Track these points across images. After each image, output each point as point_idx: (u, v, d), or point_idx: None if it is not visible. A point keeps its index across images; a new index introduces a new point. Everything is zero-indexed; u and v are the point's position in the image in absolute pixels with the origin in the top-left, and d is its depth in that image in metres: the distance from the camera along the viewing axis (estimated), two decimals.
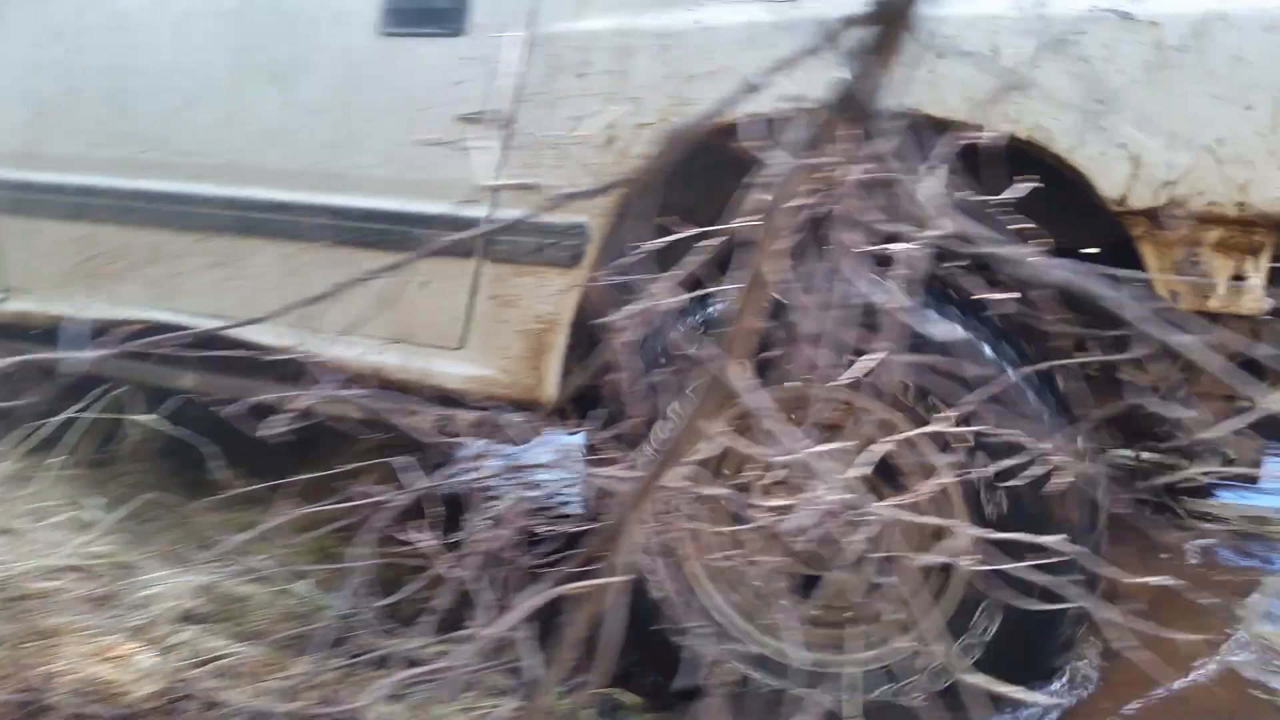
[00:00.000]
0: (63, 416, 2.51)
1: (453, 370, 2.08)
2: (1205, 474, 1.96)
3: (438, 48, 2.09)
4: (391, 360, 2.14)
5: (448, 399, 2.06)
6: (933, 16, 1.02)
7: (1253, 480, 1.98)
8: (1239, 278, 1.57)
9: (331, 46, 2.18)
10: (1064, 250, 1.90)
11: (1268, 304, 1.61)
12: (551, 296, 1.97)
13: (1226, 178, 1.52)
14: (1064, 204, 1.74)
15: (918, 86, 1.67)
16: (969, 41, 1.64)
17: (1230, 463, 1.94)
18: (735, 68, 1.76)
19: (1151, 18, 1.55)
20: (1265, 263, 1.59)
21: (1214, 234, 1.56)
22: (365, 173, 2.15)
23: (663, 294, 1.77)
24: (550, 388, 1.99)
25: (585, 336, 1.94)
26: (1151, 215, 1.58)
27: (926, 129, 1.73)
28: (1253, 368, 1.81)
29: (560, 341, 1.97)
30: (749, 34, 1.79)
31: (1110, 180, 1.59)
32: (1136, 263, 1.69)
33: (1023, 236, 1.56)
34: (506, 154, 1.99)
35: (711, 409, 1.25)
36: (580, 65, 1.93)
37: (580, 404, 2.02)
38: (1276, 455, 2.21)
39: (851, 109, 1.04)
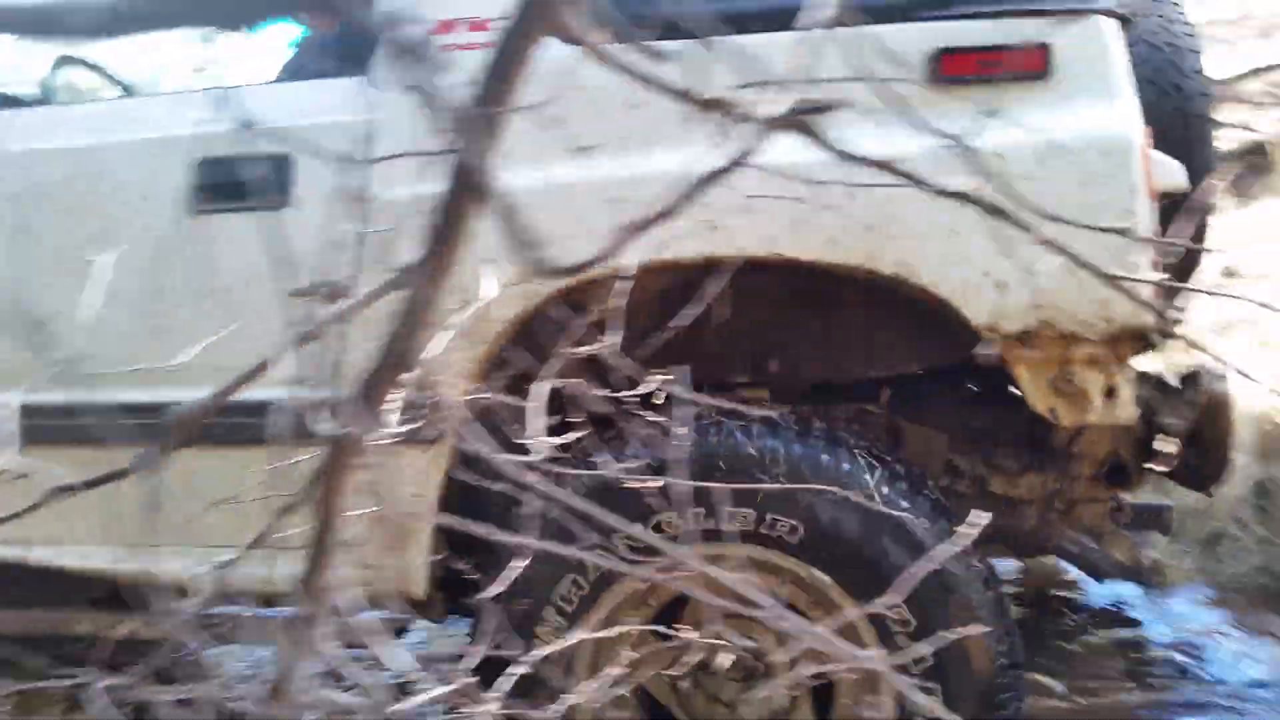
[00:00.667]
0: None
1: (298, 571, 1.85)
2: (1087, 573, 1.97)
3: (258, 223, 1.93)
4: (251, 569, 1.88)
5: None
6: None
7: (1135, 577, 2.01)
8: (1111, 391, 1.60)
9: (136, 229, 1.98)
10: (948, 372, 1.93)
11: (1137, 412, 1.65)
12: (413, 478, 1.79)
13: (1088, 297, 1.56)
14: (941, 330, 1.76)
15: (780, 231, 1.66)
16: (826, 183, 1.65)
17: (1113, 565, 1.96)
18: (594, 224, 1.71)
19: (996, 149, 1.60)
20: (1132, 374, 1.63)
21: (1083, 351, 1.59)
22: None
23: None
24: (419, 581, 1.79)
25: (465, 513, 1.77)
26: (1022, 339, 1.60)
27: (788, 273, 1.74)
28: (1121, 471, 1.85)
29: (425, 527, 1.79)
30: (606, 195, 1.74)
31: (978, 308, 1.60)
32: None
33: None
34: (357, 330, 1.83)
35: None
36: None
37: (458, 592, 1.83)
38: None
39: None
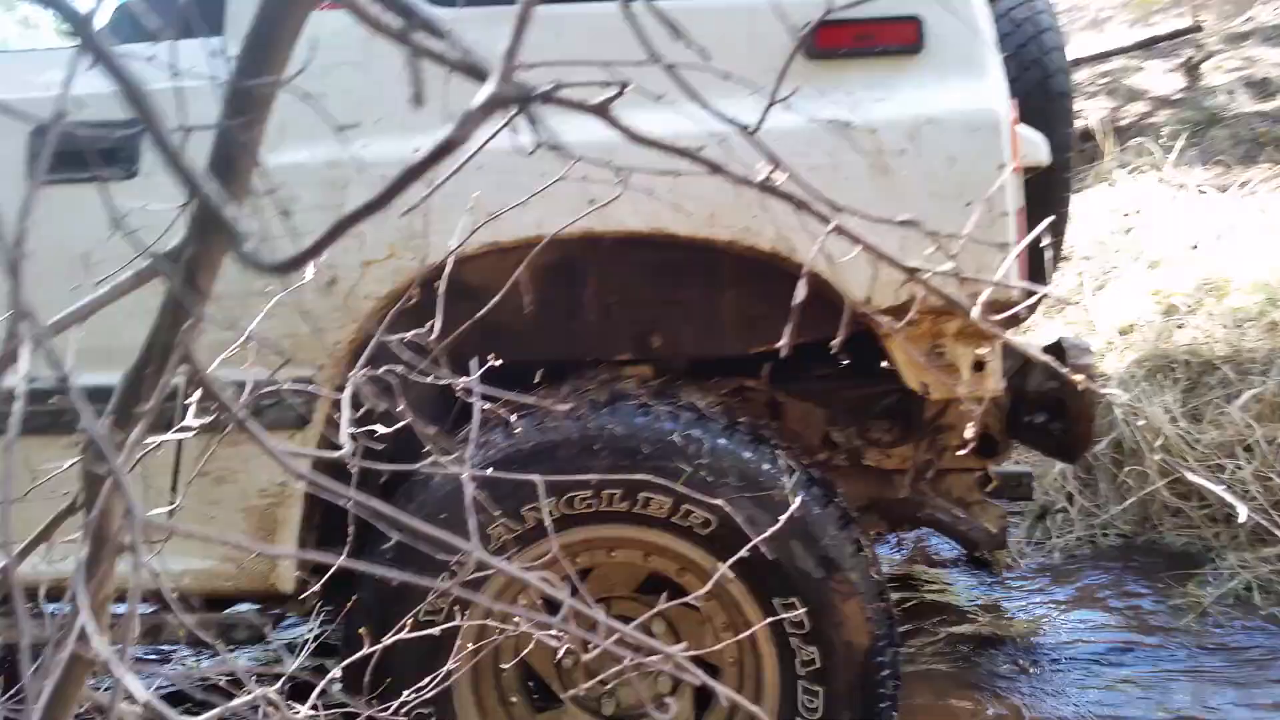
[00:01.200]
0: None
1: (161, 567, 1.75)
2: (960, 543, 2.03)
3: (96, 194, 1.79)
4: (69, 567, 1.76)
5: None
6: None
7: (1000, 544, 2.07)
8: (980, 365, 1.64)
9: None
10: (823, 346, 1.94)
11: (1003, 385, 1.69)
12: (276, 466, 1.70)
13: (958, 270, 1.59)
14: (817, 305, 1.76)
15: (661, 206, 1.63)
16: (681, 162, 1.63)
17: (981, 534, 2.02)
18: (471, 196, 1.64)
19: (869, 125, 1.61)
20: (999, 348, 1.67)
21: (953, 326, 1.62)
22: None
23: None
24: (284, 575, 1.72)
25: (328, 506, 1.70)
26: (894, 313, 1.61)
27: (676, 248, 1.72)
28: (988, 442, 1.90)
29: (294, 516, 1.71)
30: (477, 160, 1.67)
31: (852, 284, 1.61)
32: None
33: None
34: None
35: None
36: (284, 201, 1.72)
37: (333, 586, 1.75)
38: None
39: None
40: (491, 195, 1.65)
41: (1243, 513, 0.69)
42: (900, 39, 1.70)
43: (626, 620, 1.85)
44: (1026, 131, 1.82)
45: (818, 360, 2.05)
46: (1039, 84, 2.42)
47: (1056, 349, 1.80)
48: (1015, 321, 1.64)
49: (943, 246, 1.61)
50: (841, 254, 1.60)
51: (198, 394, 1.37)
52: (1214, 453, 2.94)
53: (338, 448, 1.78)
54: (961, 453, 1.94)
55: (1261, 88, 5.95)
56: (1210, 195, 4.43)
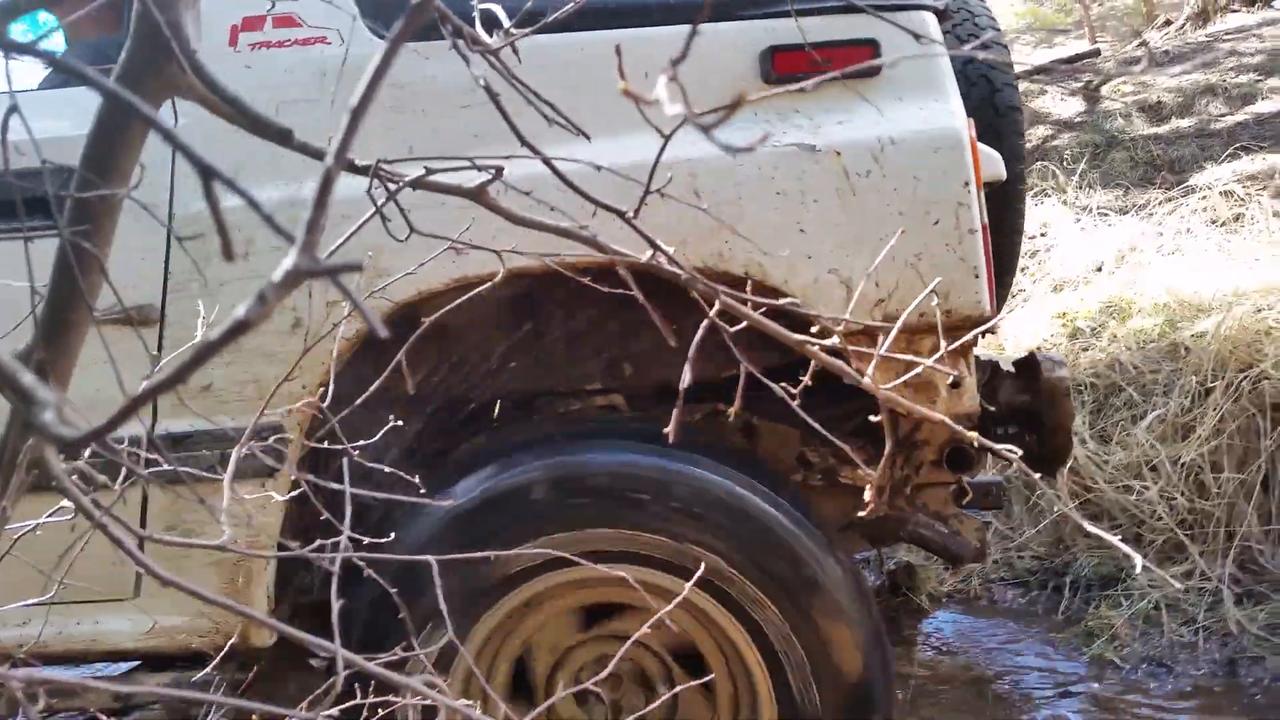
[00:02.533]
0: None
1: (129, 627, 1.69)
2: (943, 557, 2.03)
3: (45, 243, 1.74)
4: (44, 630, 1.70)
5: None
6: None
7: (980, 556, 2.08)
8: (956, 384, 1.65)
9: None
10: (794, 367, 1.94)
11: (979, 402, 1.70)
12: (249, 515, 1.66)
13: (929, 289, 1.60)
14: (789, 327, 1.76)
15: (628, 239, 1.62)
16: (670, 186, 1.62)
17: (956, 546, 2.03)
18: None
19: (833, 147, 1.62)
20: (973, 363, 1.68)
21: (928, 343, 1.63)
22: None
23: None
24: (261, 629, 1.66)
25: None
26: (869, 334, 1.62)
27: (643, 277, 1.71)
28: (961, 455, 1.92)
29: (267, 568, 1.66)
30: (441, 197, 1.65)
31: (825, 306, 1.61)
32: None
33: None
34: (162, 354, 1.68)
35: None
36: (242, 244, 1.68)
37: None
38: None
39: None
40: (457, 229, 1.63)
41: (1139, 563, 0.69)
42: (858, 62, 1.72)
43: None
44: (984, 148, 1.84)
45: (789, 381, 2.06)
46: (987, 99, 2.46)
47: (1030, 362, 1.82)
48: (985, 333, 1.66)
49: (913, 265, 1.63)
50: (816, 277, 1.61)
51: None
52: (1121, 474, 2.97)
53: (311, 495, 1.72)
54: (935, 467, 1.95)
55: (1155, 111, 6.15)
56: (1111, 218, 4.53)
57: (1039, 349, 1.87)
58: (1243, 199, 4.03)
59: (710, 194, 1.61)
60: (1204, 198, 4.27)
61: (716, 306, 0.79)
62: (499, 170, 0.77)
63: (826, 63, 1.74)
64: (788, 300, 0.95)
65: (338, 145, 0.48)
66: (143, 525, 1.69)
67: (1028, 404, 1.82)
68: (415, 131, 1.68)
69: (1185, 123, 5.90)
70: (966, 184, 1.62)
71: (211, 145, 1.69)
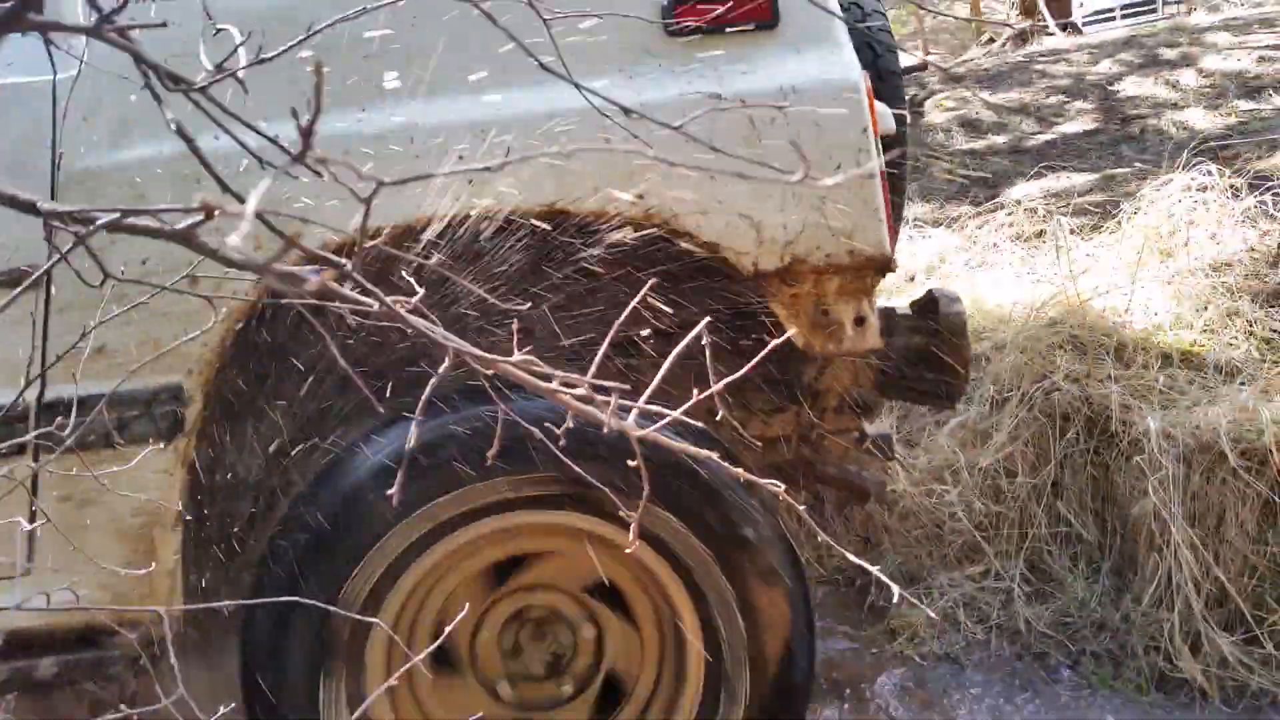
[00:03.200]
0: None
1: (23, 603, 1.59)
2: (856, 498, 2.11)
3: None
4: None
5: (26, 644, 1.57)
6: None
7: (871, 492, 2.17)
8: (860, 320, 1.71)
9: None
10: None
11: (880, 340, 1.77)
12: (150, 480, 1.59)
13: (834, 231, 1.66)
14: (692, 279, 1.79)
15: (543, 183, 1.62)
16: (583, 134, 1.63)
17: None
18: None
19: (738, 96, 1.65)
20: (875, 303, 1.75)
21: (835, 283, 1.68)
22: None
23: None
24: (170, 599, 1.60)
25: (211, 517, 1.60)
26: (780, 276, 1.67)
27: (563, 224, 1.71)
28: (861, 401, 1.99)
29: (173, 535, 1.60)
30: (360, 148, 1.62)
31: (738, 250, 1.65)
32: None
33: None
34: (52, 318, 1.59)
35: None
36: (134, 200, 1.60)
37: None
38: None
39: None
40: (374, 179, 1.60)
41: (895, 592, 0.76)
42: (756, 15, 1.76)
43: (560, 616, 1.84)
44: (878, 103, 1.91)
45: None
46: (870, 64, 2.55)
47: (929, 300, 1.91)
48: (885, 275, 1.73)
49: (818, 209, 1.68)
50: (729, 222, 1.65)
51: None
52: (925, 477, 3.09)
53: (216, 455, 1.68)
54: (837, 414, 2.02)
55: (974, 127, 6.51)
56: (927, 229, 4.75)
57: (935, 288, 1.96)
58: (1044, 216, 4.27)
59: (620, 142, 1.62)
60: (1010, 213, 4.51)
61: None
62: (209, 211, 0.77)
63: (725, 15, 1.78)
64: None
65: None
66: (33, 494, 1.59)
67: (925, 343, 1.90)
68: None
69: (1000, 139, 6.24)
70: (865, 130, 1.68)
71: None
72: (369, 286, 0.81)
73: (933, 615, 2.68)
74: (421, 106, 1.62)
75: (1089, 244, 3.78)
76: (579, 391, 0.82)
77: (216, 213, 0.77)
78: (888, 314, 1.98)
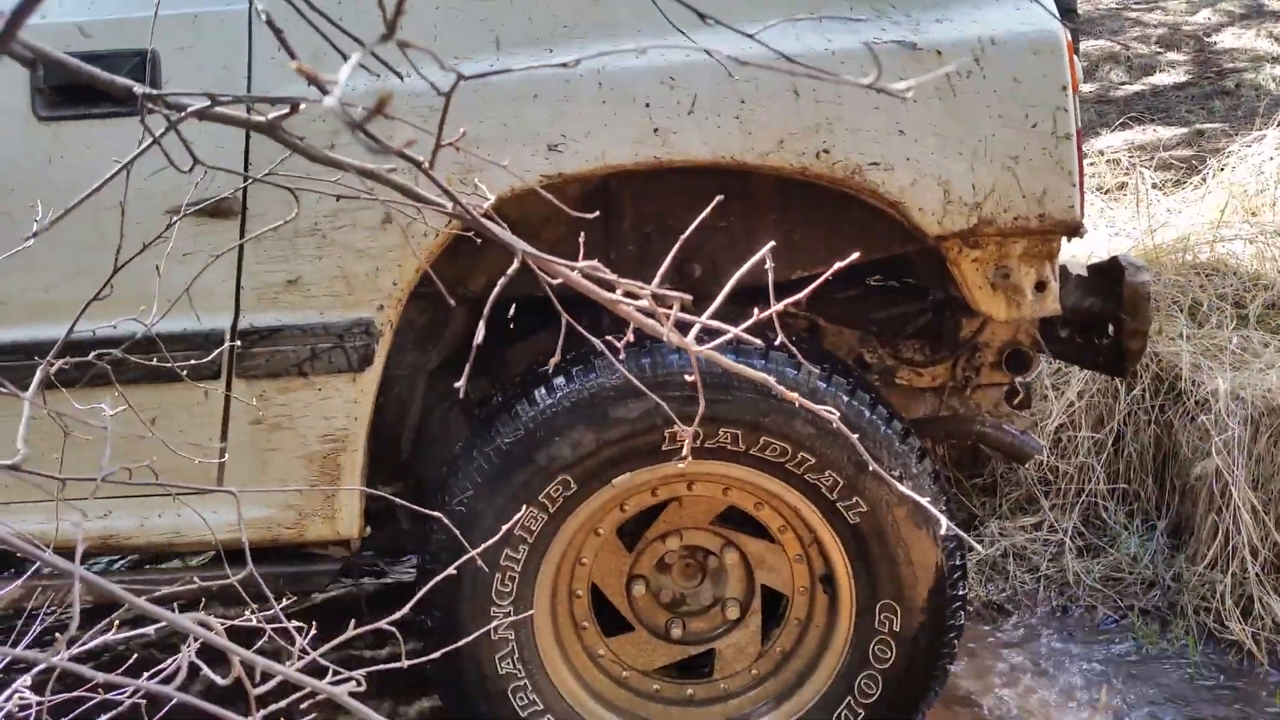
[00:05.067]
0: None
1: (212, 519, 1.68)
2: (1007, 455, 2.10)
3: (118, 130, 1.67)
4: (123, 524, 1.69)
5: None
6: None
7: (1029, 454, 2.15)
8: (1041, 285, 1.67)
9: None
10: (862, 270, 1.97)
11: (1059, 306, 1.73)
12: (338, 409, 1.65)
13: (1025, 194, 1.61)
14: (859, 228, 1.77)
15: (729, 137, 1.61)
16: (768, 84, 1.60)
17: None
18: (521, 123, 1.59)
19: (934, 46, 1.60)
20: (1056, 268, 1.71)
21: (1019, 246, 1.64)
22: (39, 297, 1.67)
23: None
24: (350, 519, 1.68)
25: (395, 446, 1.66)
26: (964, 236, 1.63)
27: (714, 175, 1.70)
28: (1020, 357, 1.96)
29: (356, 462, 1.66)
30: (532, 90, 1.62)
31: (924, 207, 1.62)
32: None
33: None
34: (245, 247, 1.65)
35: None
36: (327, 136, 1.63)
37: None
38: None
39: None
40: (548, 127, 1.60)
41: (944, 524, 0.75)
42: None
43: (703, 550, 1.89)
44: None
45: (846, 282, 2.08)
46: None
47: (1112, 266, 1.85)
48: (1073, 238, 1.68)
49: (1009, 168, 1.64)
50: (916, 178, 1.61)
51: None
52: None
53: (406, 386, 1.73)
54: (993, 369, 1.99)
55: None
56: None
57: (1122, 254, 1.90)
58: (1127, 169, 4.10)
59: (810, 92, 1.59)
60: (1092, 164, 4.34)
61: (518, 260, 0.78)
62: (295, 105, 0.76)
63: None
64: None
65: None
66: (225, 421, 1.67)
67: (1101, 308, 1.85)
68: (503, 20, 1.63)
69: (1086, 88, 5.97)
70: (1064, 88, 1.61)
71: None
72: (445, 187, 0.81)
73: (979, 549, 2.69)
74: (611, 49, 1.60)
75: (1171, 199, 3.65)
76: (641, 303, 0.81)
77: (302, 106, 0.78)
78: (1061, 272, 1.93)
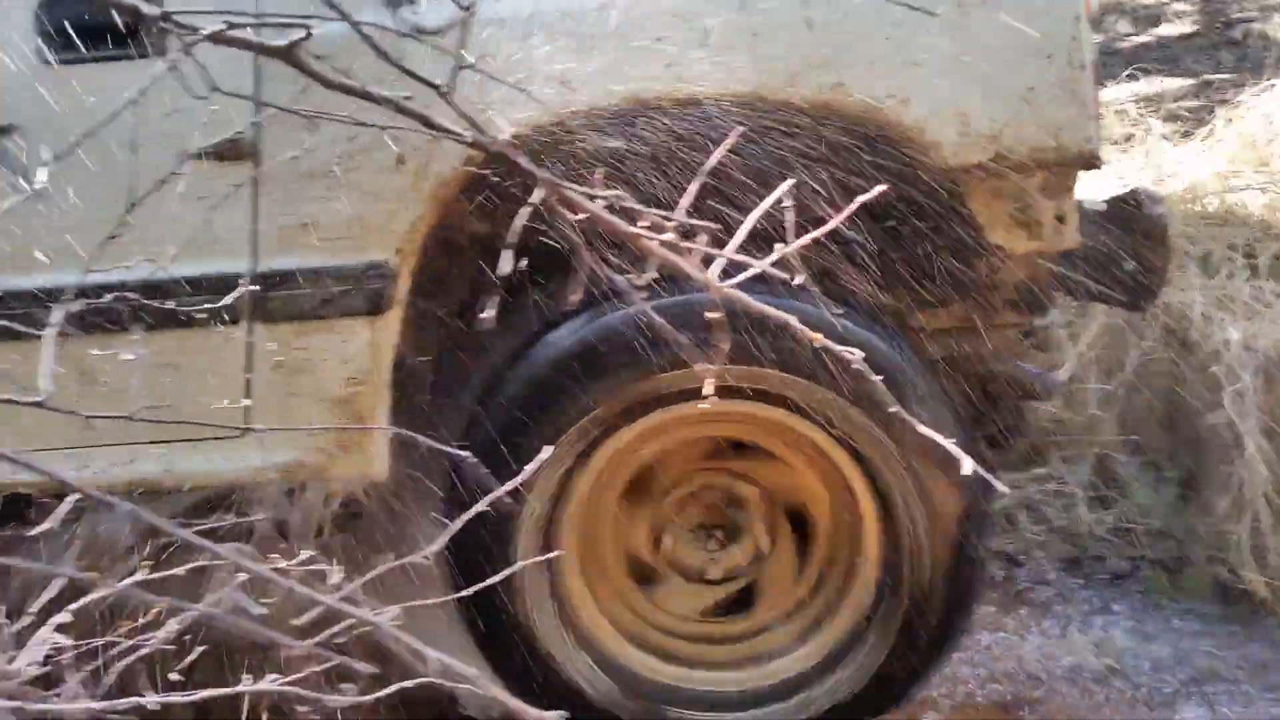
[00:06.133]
0: None
1: (241, 462, 1.71)
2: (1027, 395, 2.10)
3: (125, 73, 1.67)
4: (150, 468, 1.72)
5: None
6: None
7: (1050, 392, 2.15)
8: (1060, 218, 1.67)
9: None
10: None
11: (1079, 239, 1.72)
12: (358, 352, 1.66)
13: (1042, 125, 1.60)
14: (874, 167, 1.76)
15: (742, 70, 1.60)
16: (781, 14, 1.59)
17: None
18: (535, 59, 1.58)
19: None
20: (1074, 201, 1.70)
21: (1037, 179, 1.64)
22: (57, 242, 1.68)
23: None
24: (376, 461, 1.70)
25: (415, 389, 1.68)
26: (982, 169, 1.63)
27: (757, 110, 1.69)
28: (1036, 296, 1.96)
29: (378, 404, 1.68)
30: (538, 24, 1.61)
31: (941, 140, 1.61)
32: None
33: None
34: (260, 190, 1.65)
35: None
36: (346, 70, 1.63)
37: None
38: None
39: None
40: (571, 61, 1.60)
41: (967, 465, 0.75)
42: None
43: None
44: None
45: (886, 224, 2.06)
46: None
47: (1129, 197, 1.84)
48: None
49: (1026, 100, 1.62)
50: (933, 111, 1.61)
51: None
52: None
53: (423, 331, 1.74)
54: (1009, 308, 1.99)
55: None
56: None
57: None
58: (1134, 120, 4.06)
59: (823, 25, 1.58)
60: (1100, 115, 4.29)
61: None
62: (308, 30, 0.75)
63: None
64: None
65: None
66: (248, 365, 1.69)
67: (1116, 241, 1.84)
68: None
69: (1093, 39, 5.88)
70: (1078, 18, 1.60)
71: None
72: (465, 114, 0.81)
73: (1005, 490, 2.70)
74: None
75: (1179, 150, 3.61)
76: (666, 237, 0.81)
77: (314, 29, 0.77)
78: (1077, 209, 1.92)
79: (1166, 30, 5.87)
